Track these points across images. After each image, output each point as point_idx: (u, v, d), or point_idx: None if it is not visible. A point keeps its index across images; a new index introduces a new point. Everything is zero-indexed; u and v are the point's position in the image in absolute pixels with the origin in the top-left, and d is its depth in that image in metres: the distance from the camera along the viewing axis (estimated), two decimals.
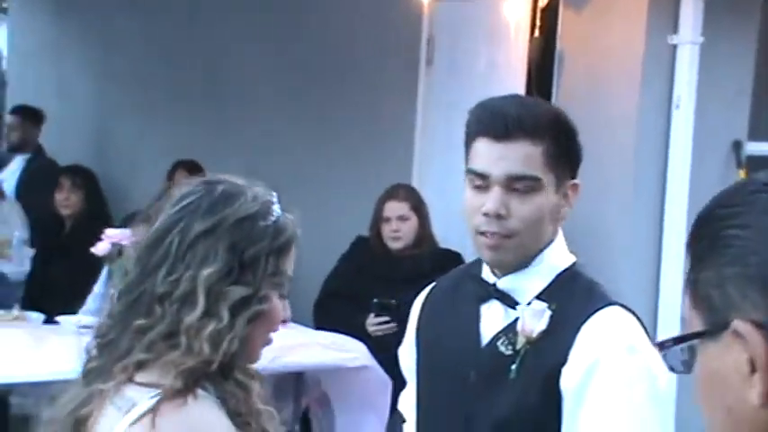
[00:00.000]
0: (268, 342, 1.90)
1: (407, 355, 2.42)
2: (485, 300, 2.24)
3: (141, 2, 8.55)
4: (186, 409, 1.73)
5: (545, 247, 2.20)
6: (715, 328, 1.09)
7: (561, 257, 2.23)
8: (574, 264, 2.25)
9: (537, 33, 5.48)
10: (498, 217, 2.13)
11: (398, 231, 5.47)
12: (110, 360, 1.84)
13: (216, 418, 1.76)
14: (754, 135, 5.92)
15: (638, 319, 2.17)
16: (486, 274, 2.25)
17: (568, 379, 2.09)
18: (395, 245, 5.50)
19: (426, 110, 6.57)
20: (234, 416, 1.79)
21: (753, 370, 1.05)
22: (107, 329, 1.87)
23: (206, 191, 1.86)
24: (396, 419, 2.53)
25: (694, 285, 1.13)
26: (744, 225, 1.08)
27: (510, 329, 2.17)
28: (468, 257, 5.49)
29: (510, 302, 2.20)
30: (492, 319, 2.22)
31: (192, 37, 7.99)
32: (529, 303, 2.17)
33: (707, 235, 1.12)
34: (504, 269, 2.21)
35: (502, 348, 2.16)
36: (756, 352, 1.05)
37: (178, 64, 8.13)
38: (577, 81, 5.45)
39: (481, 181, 2.17)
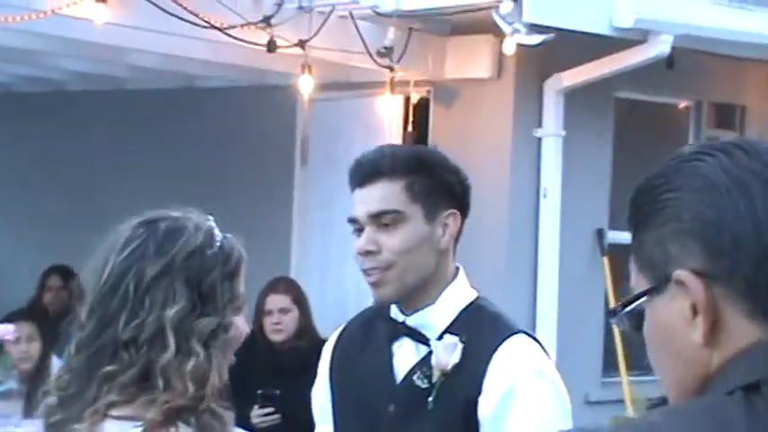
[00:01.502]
0: (231, 360, 1.91)
1: (321, 395, 2.51)
2: (395, 338, 2.33)
3: (10, 107, 8.52)
4: None
5: (447, 285, 2.34)
6: (659, 283, 1.22)
7: (464, 293, 2.33)
8: (477, 298, 2.35)
9: (410, 128, 5.72)
10: (370, 253, 2.27)
11: (280, 324, 5.52)
12: (76, 410, 1.83)
13: None
14: (615, 224, 6.25)
15: (540, 344, 2.31)
16: (395, 313, 2.37)
17: (485, 407, 2.19)
18: (277, 337, 5.55)
19: (302, 206, 6.74)
20: None
21: (695, 313, 1.18)
22: (67, 383, 1.85)
23: (149, 232, 1.85)
24: None
25: (638, 249, 1.25)
26: (676, 188, 1.22)
27: (424, 363, 2.25)
28: None
29: (420, 338, 2.29)
30: (404, 355, 2.31)
31: (67, 141, 7.98)
32: (440, 338, 2.28)
33: (646, 202, 1.25)
34: (407, 306, 2.33)
35: (418, 382, 2.25)
36: (697, 297, 1.17)
37: (54, 168, 8.11)
38: None
39: (354, 225, 2.34)
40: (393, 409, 2.30)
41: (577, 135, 5.70)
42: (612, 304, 6.03)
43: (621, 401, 5.95)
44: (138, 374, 1.78)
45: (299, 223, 6.74)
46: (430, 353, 2.27)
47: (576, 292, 5.70)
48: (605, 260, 6.06)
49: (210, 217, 1.92)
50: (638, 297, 1.25)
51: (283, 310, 5.54)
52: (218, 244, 1.86)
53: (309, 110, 6.45)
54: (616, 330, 6.06)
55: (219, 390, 1.86)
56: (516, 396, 2.19)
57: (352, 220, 2.33)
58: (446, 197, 2.31)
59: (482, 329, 2.27)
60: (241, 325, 1.89)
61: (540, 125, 5.61)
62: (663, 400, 1.35)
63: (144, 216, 1.90)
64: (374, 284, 2.31)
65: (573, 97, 5.67)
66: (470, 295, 2.36)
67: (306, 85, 5.27)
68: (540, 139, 5.59)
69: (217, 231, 1.88)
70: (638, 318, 1.27)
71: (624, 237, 5.61)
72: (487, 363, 2.21)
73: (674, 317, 1.21)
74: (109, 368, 1.79)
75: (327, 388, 2.49)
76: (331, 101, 6.34)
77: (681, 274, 1.19)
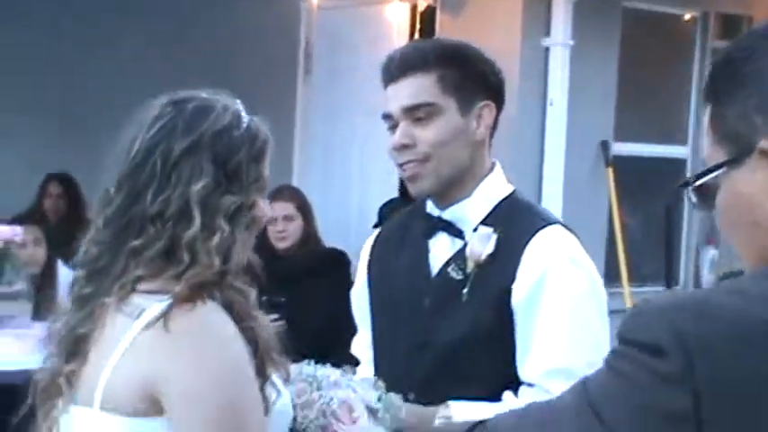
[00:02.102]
0: (253, 244, 1.95)
1: (360, 296, 2.53)
2: (432, 233, 2.34)
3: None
4: (197, 313, 1.77)
5: (483, 178, 2.32)
6: (741, 154, 1.26)
7: (500, 187, 2.34)
8: (513, 192, 2.35)
9: (417, 37, 5.68)
10: (405, 147, 2.28)
11: (284, 231, 5.54)
12: (104, 283, 1.86)
13: (222, 319, 1.80)
14: (620, 136, 6.25)
15: (577, 237, 2.30)
16: (431, 208, 2.35)
17: (518, 294, 2.20)
18: (281, 244, 5.57)
19: (305, 118, 6.71)
20: (237, 320, 1.83)
21: None
22: (96, 257, 1.88)
23: (177, 110, 1.87)
24: None
25: (717, 122, 1.29)
26: (760, 61, 1.25)
27: (459, 256, 2.27)
28: (351, 257, 5.63)
29: (455, 232, 2.30)
30: (440, 250, 2.32)
31: (64, 42, 7.91)
32: (475, 230, 2.29)
33: (727, 76, 1.29)
34: (443, 200, 2.33)
35: (453, 274, 2.26)
36: None
37: (41, 76, 8.04)
38: None
39: (390, 122, 2.34)
40: (428, 302, 2.31)
41: (585, 45, 5.67)
42: (616, 216, 6.07)
43: (623, 311, 6.00)
44: (164, 249, 1.81)
45: (301, 134, 6.72)
46: (465, 245, 2.28)
47: (580, 203, 5.72)
48: (609, 171, 6.07)
49: (238, 100, 1.94)
50: (714, 168, 1.29)
51: (288, 218, 5.55)
52: (245, 125, 1.89)
53: (315, 18, 6.40)
54: (619, 241, 6.10)
55: (243, 267, 1.89)
56: (549, 283, 2.19)
57: (387, 116, 2.33)
58: (480, 89, 2.31)
59: (517, 221, 2.28)
60: (265, 207, 1.92)
61: (548, 34, 5.57)
62: (732, 274, 1.37)
63: (173, 95, 1.92)
64: (411, 178, 2.31)
65: (582, 7, 5.63)
66: (506, 189, 2.36)
67: None
68: (547, 49, 5.56)
69: (244, 114, 1.91)
70: (708, 191, 1.30)
71: (629, 148, 5.68)
72: (521, 252, 2.22)
73: (755, 188, 1.25)
74: (136, 242, 1.82)
75: (365, 289, 2.51)
76: (337, 9, 6.30)
77: (765, 143, 1.24)
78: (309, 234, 5.64)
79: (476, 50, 2.39)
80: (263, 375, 1.87)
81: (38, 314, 4.64)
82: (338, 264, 5.65)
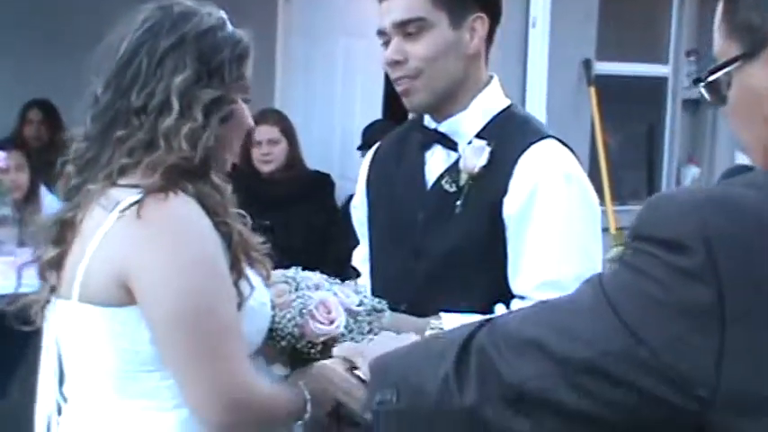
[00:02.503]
0: (235, 153, 2.02)
1: (359, 208, 2.56)
2: (428, 146, 2.37)
3: None
4: (168, 202, 1.84)
5: (479, 91, 2.32)
6: (755, 47, 1.24)
7: (496, 100, 2.35)
8: (510, 105, 2.36)
9: None
10: (397, 63, 2.29)
11: (269, 155, 5.55)
12: (92, 173, 1.93)
13: (195, 211, 1.87)
14: (602, 55, 6.25)
15: (572, 150, 2.31)
16: (428, 121, 2.37)
17: (510, 206, 2.22)
18: (266, 168, 5.58)
19: (286, 39, 6.68)
20: (211, 214, 1.89)
21: None
22: (84, 150, 1.95)
23: (164, 12, 1.95)
24: None
25: (731, 15, 1.27)
26: None
27: (453, 169, 2.29)
28: (335, 178, 5.65)
29: (450, 144, 2.32)
30: (436, 162, 2.35)
31: None
32: (470, 143, 2.30)
33: None
34: (439, 113, 2.34)
35: (446, 186, 2.29)
36: None
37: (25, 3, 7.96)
38: None
39: (382, 38, 2.35)
40: (422, 214, 2.33)
41: None
42: (599, 135, 6.10)
43: (606, 230, 6.05)
44: (144, 138, 1.90)
45: (282, 56, 6.69)
46: (459, 158, 2.29)
47: (564, 122, 5.72)
48: (592, 90, 6.08)
49: (221, 11, 2.01)
50: (728, 63, 1.26)
51: (272, 141, 5.55)
52: (229, 29, 1.97)
53: None
54: (602, 160, 6.14)
55: (220, 164, 1.97)
56: (540, 196, 2.20)
57: (380, 32, 2.33)
58: (472, 2, 2.30)
59: (511, 134, 2.28)
60: (246, 112, 2.00)
61: None
62: (736, 170, 1.34)
63: (161, 1, 2.00)
64: (404, 93, 2.32)
65: None
66: (503, 102, 2.37)
67: None
68: None
69: (228, 22, 1.99)
70: (720, 87, 1.28)
71: (611, 67, 5.65)
72: (514, 164, 2.23)
73: None
74: (120, 133, 1.91)
75: (365, 202, 2.53)
76: None
77: None
78: (294, 157, 5.65)
79: None
80: (237, 270, 1.91)
81: (21, 239, 4.65)
82: (323, 186, 5.67)
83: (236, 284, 1.90)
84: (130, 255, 1.83)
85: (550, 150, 2.26)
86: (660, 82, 6.79)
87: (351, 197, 2.89)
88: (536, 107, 5.46)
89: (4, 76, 8.17)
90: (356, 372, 1.83)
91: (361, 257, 2.57)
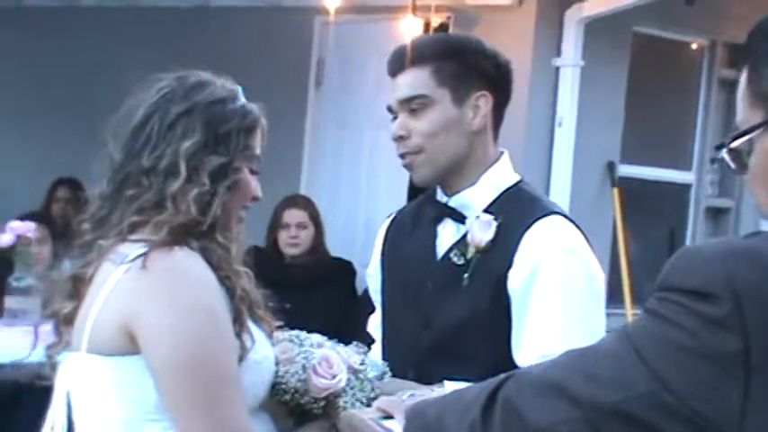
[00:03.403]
0: (240, 219, 2.08)
1: (374, 277, 2.62)
2: (439, 220, 2.43)
3: (11, 20, 8.49)
4: (173, 254, 1.91)
5: (488, 167, 2.39)
6: None
7: (506, 175, 2.41)
8: (519, 181, 2.42)
9: None
10: (401, 138, 2.38)
11: (297, 238, 5.62)
12: (104, 230, 2.01)
13: (199, 264, 1.93)
14: (626, 158, 6.31)
15: (577, 226, 2.37)
16: (440, 195, 2.44)
17: (514, 280, 2.26)
18: (292, 251, 5.64)
19: (315, 128, 6.78)
20: (216, 269, 1.95)
21: None
22: (98, 209, 2.04)
23: (179, 82, 2.06)
24: None
25: (755, 83, 1.31)
26: None
27: (461, 242, 2.35)
28: (357, 267, 5.69)
29: (459, 218, 2.38)
30: (446, 235, 2.41)
31: (72, 59, 7.98)
32: (477, 217, 2.35)
33: (763, 36, 1.32)
34: (448, 188, 2.41)
35: (455, 259, 2.34)
36: None
37: (52, 81, 8.11)
38: None
39: (392, 114, 2.43)
40: (431, 286, 2.39)
41: (595, 67, 5.74)
42: (621, 236, 6.12)
43: None
44: (153, 199, 1.98)
45: (310, 145, 6.78)
46: (468, 232, 2.35)
47: (586, 223, 5.71)
48: (615, 192, 6.13)
49: (239, 87, 2.12)
50: (751, 129, 1.31)
51: (300, 225, 5.64)
52: (240, 102, 2.08)
53: (328, 31, 6.46)
54: (623, 262, 6.15)
55: (226, 227, 2.04)
56: (543, 271, 2.24)
57: (389, 109, 2.42)
58: (476, 80, 2.37)
59: (519, 209, 2.33)
60: (252, 181, 2.08)
61: (558, 54, 5.64)
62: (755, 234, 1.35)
63: (179, 71, 2.11)
64: (408, 167, 2.41)
65: (592, 28, 5.70)
66: (512, 178, 2.43)
67: (331, 0, 5.26)
68: (558, 69, 5.63)
69: (242, 96, 2.10)
70: (743, 154, 1.32)
71: (635, 171, 5.72)
72: (519, 239, 2.27)
73: None
74: (130, 192, 2.00)
75: (379, 270, 2.60)
76: (349, 24, 6.36)
77: None
78: (318, 243, 5.73)
79: (476, 43, 2.46)
80: (240, 323, 1.96)
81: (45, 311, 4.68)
82: (344, 273, 5.72)
83: (238, 336, 1.95)
84: (135, 303, 1.89)
85: (555, 226, 2.31)
86: (683, 188, 6.83)
87: None
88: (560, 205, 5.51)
89: (35, 152, 8.31)
90: (388, 422, 1.84)
91: (375, 324, 2.63)
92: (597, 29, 5.71)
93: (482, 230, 2.31)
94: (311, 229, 5.66)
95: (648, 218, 6.69)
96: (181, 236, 1.94)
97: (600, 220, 6.09)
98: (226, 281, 1.96)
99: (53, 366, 2.07)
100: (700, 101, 6.79)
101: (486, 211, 2.35)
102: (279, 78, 6.78)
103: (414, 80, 2.36)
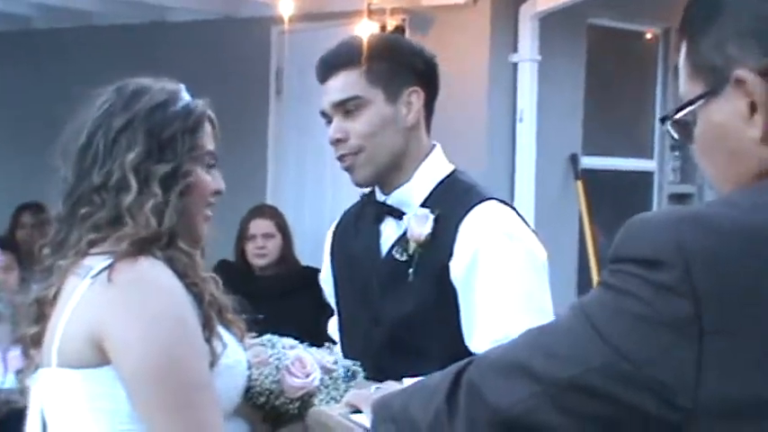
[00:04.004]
0: (206, 217, 2.07)
1: (327, 281, 2.65)
2: (381, 218, 2.45)
3: None
4: (137, 264, 1.91)
5: (422, 161, 2.40)
6: (717, 85, 1.29)
7: (439, 167, 2.42)
8: (454, 171, 2.43)
9: None
10: (339, 141, 2.39)
11: (264, 248, 5.61)
12: (63, 252, 2.00)
13: (164, 272, 1.93)
14: (588, 149, 6.36)
15: (515, 210, 2.39)
16: (379, 194, 2.46)
17: (456, 269, 2.28)
18: (260, 262, 5.63)
19: (277, 136, 6.78)
20: (182, 276, 1.95)
21: (753, 111, 1.25)
22: (56, 233, 2.03)
23: (118, 93, 2.04)
24: None
25: (692, 55, 1.33)
26: None
27: (402, 238, 2.37)
28: None
29: (399, 215, 2.40)
30: (388, 233, 2.43)
31: (34, 80, 7.95)
32: (414, 213, 2.38)
33: (700, 8, 1.33)
34: (386, 186, 2.42)
35: (397, 256, 2.36)
36: (756, 93, 1.25)
37: (9, 106, 8.08)
38: None
39: (325, 119, 2.45)
40: (377, 283, 2.41)
41: (552, 61, 5.78)
42: (588, 228, 6.16)
43: None
44: (108, 216, 1.98)
45: (274, 153, 6.78)
46: (407, 228, 2.37)
47: (552, 216, 5.80)
48: (579, 184, 6.17)
49: (182, 85, 2.10)
50: (692, 102, 1.32)
51: (267, 236, 5.62)
52: (181, 103, 2.05)
53: (285, 41, 6.47)
54: (591, 253, 6.19)
55: (192, 232, 2.04)
56: (483, 256, 2.26)
57: (322, 113, 2.44)
58: (406, 77, 2.40)
59: (455, 199, 2.35)
60: (207, 177, 2.06)
61: (515, 50, 5.67)
62: None
63: (119, 82, 2.10)
64: (348, 169, 2.42)
65: (547, 23, 5.74)
66: (446, 169, 2.44)
67: (286, 9, 5.27)
68: (515, 65, 5.66)
69: (184, 94, 2.08)
70: (687, 126, 1.34)
71: (596, 162, 5.75)
72: (457, 227, 2.30)
73: (730, 117, 1.29)
74: (83, 210, 1.99)
75: (330, 275, 2.63)
76: (306, 31, 6.36)
77: (740, 72, 1.26)
78: (287, 253, 5.72)
79: (401, 40, 2.55)
80: (209, 328, 1.96)
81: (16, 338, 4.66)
82: (314, 281, 5.68)
83: (208, 342, 1.95)
84: (102, 315, 1.89)
85: (491, 211, 2.32)
86: (646, 176, 6.89)
87: None
88: (525, 200, 5.54)
89: (2, 181, 8.25)
90: (356, 416, 1.84)
91: (334, 327, 2.65)
92: (552, 23, 5.75)
93: (419, 225, 2.33)
94: (278, 239, 5.65)
95: (614, 208, 6.74)
96: (145, 246, 1.94)
97: (566, 213, 6.13)
98: (193, 287, 1.96)
99: (23, 391, 2.06)
100: (657, 89, 6.85)
101: (423, 205, 2.37)
102: (239, 89, 6.77)
103: (345, 83, 2.38)
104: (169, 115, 2.02)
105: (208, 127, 2.08)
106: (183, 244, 2.00)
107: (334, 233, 2.64)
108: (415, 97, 2.39)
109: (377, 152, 2.38)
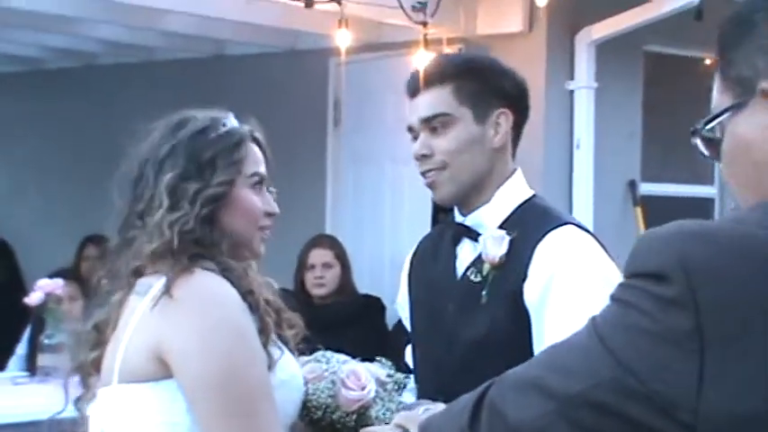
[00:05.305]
0: (262, 237, 2.12)
1: (403, 306, 2.64)
2: (458, 239, 2.45)
3: (34, 84, 8.60)
4: (194, 278, 1.97)
5: (502, 183, 2.42)
6: (744, 97, 1.31)
7: (519, 191, 2.43)
8: (533, 196, 2.44)
9: None
10: (424, 157, 2.41)
11: (323, 278, 5.66)
12: (118, 279, 2.08)
13: (220, 284, 1.99)
14: (646, 175, 6.33)
15: (592, 235, 2.38)
16: (458, 216, 2.47)
17: (530, 293, 2.28)
18: (319, 291, 5.67)
19: (335, 167, 6.83)
20: (236, 285, 2.00)
21: None
22: (112, 261, 2.11)
23: (165, 125, 2.13)
24: None
25: (725, 69, 1.35)
26: (764, 10, 1.30)
27: (478, 260, 2.38)
28: (385, 302, 5.71)
29: (475, 236, 2.40)
30: (464, 255, 2.43)
31: (96, 115, 8.07)
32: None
33: (734, 24, 1.35)
34: (465, 207, 2.44)
35: (472, 277, 2.37)
36: None
37: (72, 140, 8.21)
38: None
39: (411, 133, 2.45)
40: (452, 306, 2.41)
41: (608, 87, 5.78)
42: None
43: None
44: (145, 237, 2.04)
45: (332, 183, 6.83)
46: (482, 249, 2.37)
47: (610, 242, 5.73)
48: (638, 210, 6.14)
49: (231, 113, 2.17)
50: (720, 114, 1.34)
51: (326, 265, 5.67)
52: (225, 128, 2.12)
53: (342, 72, 6.53)
54: None
55: (252, 254, 2.11)
56: (558, 281, 2.25)
57: (409, 128, 2.45)
58: (496, 97, 2.41)
59: (531, 222, 2.35)
60: (249, 196, 2.10)
61: (572, 78, 5.68)
62: None
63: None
64: (430, 186, 2.43)
65: (603, 50, 5.74)
66: (526, 193, 2.45)
67: (343, 41, 5.33)
68: (572, 92, 5.66)
69: (230, 120, 2.14)
70: (715, 139, 1.35)
71: (655, 188, 5.73)
72: (532, 251, 2.29)
73: (757, 128, 1.30)
74: (128, 235, 2.08)
75: (406, 299, 2.63)
76: (363, 62, 6.41)
77: (766, 85, 1.29)
78: (346, 282, 5.76)
79: (492, 61, 2.53)
80: (266, 334, 2.01)
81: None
82: (374, 310, 5.75)
83: (265, 347, 1.99)
84: (162, 329, 1.95)
85: (569, 236, 2.32)
86: (707, 202, 6.83)
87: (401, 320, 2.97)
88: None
89: (60, 212, 8.38)
90: None
91: (409, 353, 2.64)
92: (608, 50, 5.75)
93: (495, 246, 2.33)
94: (337, 269, 5.69)
95: None
96: (195, 259, 2.00)
97: (624, 240, 6.07)
98: (248, 295, 2.00)
99: (81, 420, 2.10)
100: None
101: (500, 227, 2.37)
102: (297, 121, 6.84)
103: (435, 99, 2.40)
104: (210, 139, 2.08)
105: (254, 148, 2.13)
106: (235, 258, 2.06)
107: (412, 258, 2.64)
108: (504, 119, 2.40)
109: (461, 170, 2.39)
